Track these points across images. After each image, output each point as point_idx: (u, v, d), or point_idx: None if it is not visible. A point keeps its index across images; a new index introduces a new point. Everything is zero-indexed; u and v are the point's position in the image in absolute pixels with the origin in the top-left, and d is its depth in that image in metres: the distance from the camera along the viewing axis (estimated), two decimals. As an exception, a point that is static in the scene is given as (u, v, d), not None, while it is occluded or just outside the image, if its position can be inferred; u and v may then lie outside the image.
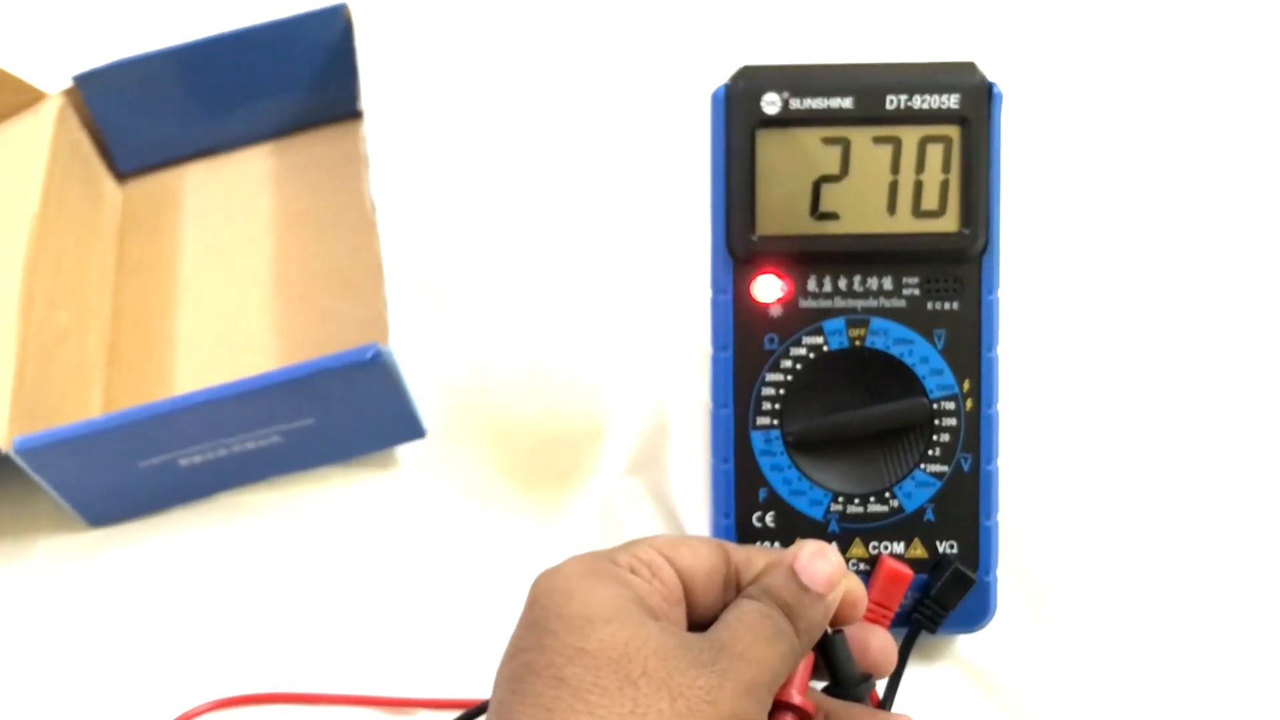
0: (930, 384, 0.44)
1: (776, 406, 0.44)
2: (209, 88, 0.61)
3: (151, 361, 0.56)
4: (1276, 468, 0.49)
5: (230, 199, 0.62)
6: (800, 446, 0.44)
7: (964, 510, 0.44)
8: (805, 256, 0.43)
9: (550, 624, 0.34)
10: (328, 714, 0.46)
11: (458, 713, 0.44)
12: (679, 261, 0.54)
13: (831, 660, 0.38)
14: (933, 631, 0.44)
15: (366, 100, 0.56)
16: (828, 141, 0.43)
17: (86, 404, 0.54)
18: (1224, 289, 0.54)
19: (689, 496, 0.50)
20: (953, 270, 0.43)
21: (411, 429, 0.51)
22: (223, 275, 0.59)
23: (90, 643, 0.48)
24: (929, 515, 0.44)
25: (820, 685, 0.39)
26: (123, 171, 0.63)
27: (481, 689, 0.44)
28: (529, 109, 0.62)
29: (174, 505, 0.51)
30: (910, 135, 0.43)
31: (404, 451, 0.52)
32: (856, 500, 0.44)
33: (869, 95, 0.42)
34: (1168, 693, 0.45)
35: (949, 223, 0.43)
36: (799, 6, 0.65)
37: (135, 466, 0.48)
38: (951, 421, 0.44)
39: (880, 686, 0.43)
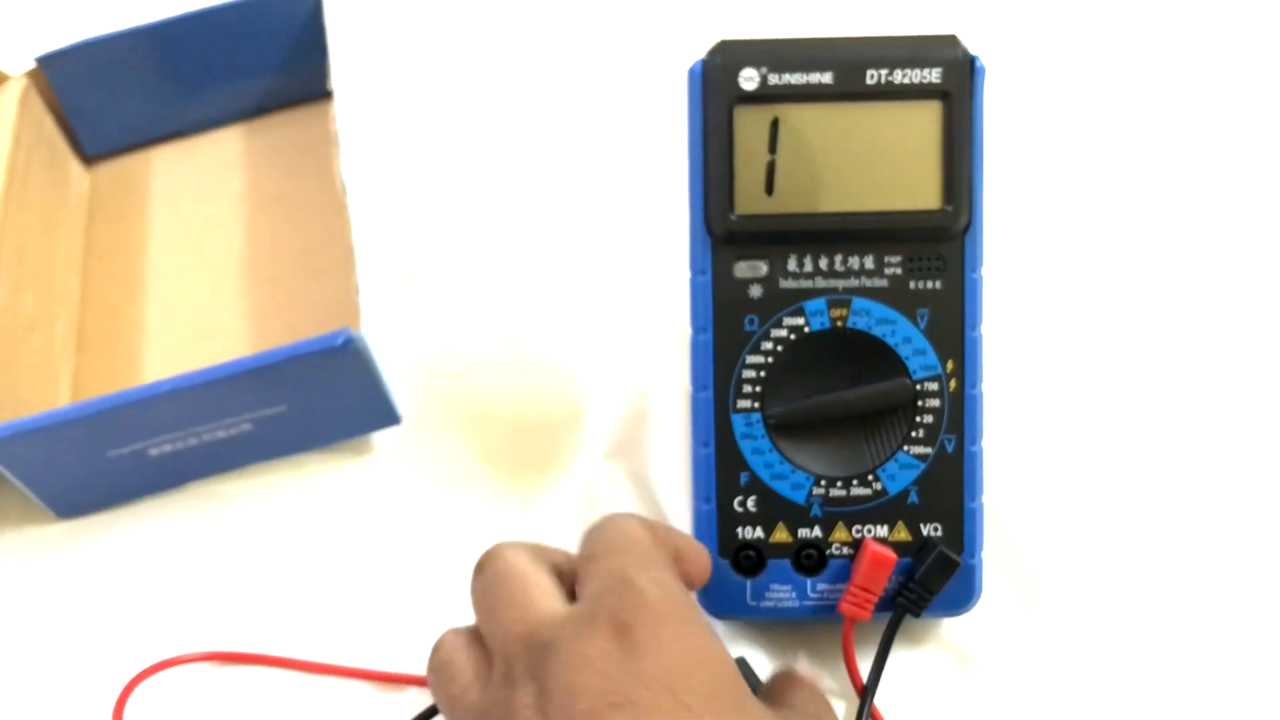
0: (913, 364, 0.43)
1: (757, 389, 0.43)
2: (177, 68, 0.60)
3: (120, 348, 0.55)
4: (1264, 450, 0.49)
5: (200, 182, 0.61)
6: (782, 429, 0.43)
7: (948, 492, 0.43)
8: (785, 235, 0.43)
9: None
10: (310, 683, 0.45)
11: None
12: (659, 241, 0.53)
13: None
14: (917, 615, 0.43)
15: (337, 80, 0.55)
16: (807, 117, 0.42)
17: (54, 393, 0.53)
18: (1211, 267, 0.54)
19: (670, 481, 0.49)
20: (935, 248, 0.43)
21: (386, 415, 0.50)
22: (193, 260, 0.58)
23: (61, 636, 0.47)
24: (913, 498, 0.43)
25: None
26: (89, 154, 0.62)
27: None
28: (503, 88, 0.61)
29: (145, 495, 0.50)
30: (891, 111, 0.42)
31: (380, 438, 0.51)
32: (839, 483, 0.43)
33: (849, 70, 0.42)
34: (1155, 676, 0.44)
35: (931, 200, 0.42)
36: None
37: (104, 456, 0.47)
38: (935, 402, 0.43)
39: (864, 669, 0.42)
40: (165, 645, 0.46)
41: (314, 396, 0.48)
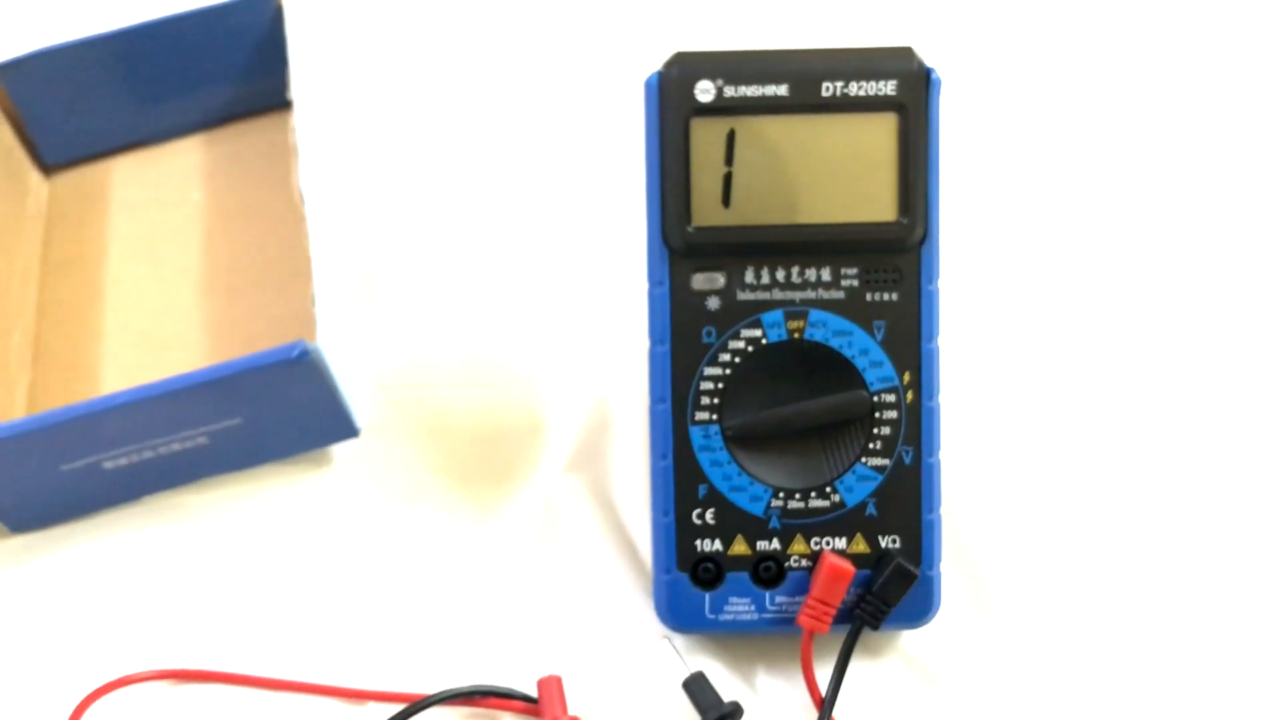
0: (870, 376, 0.43)
1: (715, 401, 0.43)
2: (137, 77, 0.60)
3: (78, 360, 0.54)
4: (1222, 457, 0.49)
5: (160, 192, 0.60)
6: (740, 441, 0.43)
7: (906, 504, 0.43)
8: (742, 248, 0.43)
9: None
10: (268, 700, 0.45)
11: (401, 705, 0.43)
12: (621, 252, 0.53)
13: (694, 697, 0.42)
14: (875, 628, 0.43)
15: (296, 90, 0.55)
16: (764, 129, 0.42)
17: (10, 405, 0.52)
18: (1167, 276, 0.54)
19: (631, 494, 0.49)
20: (891, 260, 0.43)
21: (343, 428, 0.49)
22: (151, 270, 0.57)
23: (12, 653, 0.46)
24: (870, 510, 0.43)
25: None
26: (48, 164, 0.61)
27: (417, 686, 0.44)
28: (464, 100, 0.60)
29: (99, 509, 0.50)
30: (847, 123, 0.42)
31: (338, 450, 0.51)
32: (797, 495, 0.43)
33: (804, 82, 0.41)
34: (1113, 685, 0.44)
35: (887, 212, 0.42)
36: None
37: (58, 469, 0.47)
38: (892, 414, 0.43)
39: (823, 683, 0.42)
40: (120, 663, 0.45)
41: (270, 409, 0.47)
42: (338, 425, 0.49)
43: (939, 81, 0.42)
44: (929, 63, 0.42)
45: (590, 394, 0.51)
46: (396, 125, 0.60)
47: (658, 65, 0.42)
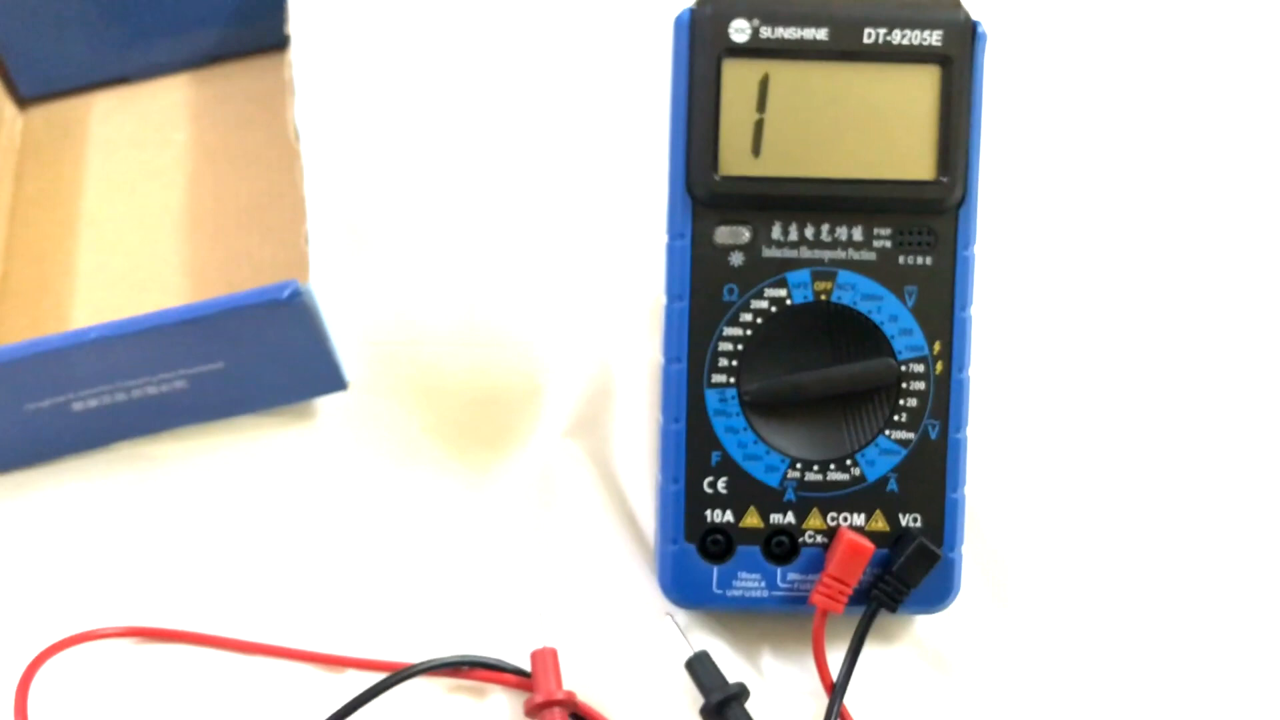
0: (899, 344, 0.41)
1: (734, 363, 0.41)
2: (124, 8, 0.57)
3: (47, 299, 0.51)
4: (1252, 448, 0.47)
5: (142, 130, 0.57)
6: (757, 407, 0.41)
7: (930, 481, 0.41)
8: (770, 200, 0.40)
9: None
10: (240, 664, 0.42)
11: (382, 675, 0.41)
12: (630, 205, 0.50)
13: (696, 677, 0.40)
14: (894, 610, 0.41)
15: (294, 25, 0.52)
16: (799, 76, 0.39)
17: (-28, 342, 0.49)
18: (1213, 256, 0.52)
19: (633, 462, 0.46)
20: (927, 222, 0.41)
21: (332, 380, 0.47)
22: (130, 210, 0.54)
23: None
24: (892, 485, 0.41)
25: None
26: (24, 96, 0.59)
27: (404, 653, 0.41)
28: (470, 38, 0.57)
29: (66, 454, 0.47)
30: (887, 73, 0.40)
31: (324, 404, 0.48)
32: (815, 467, 0.41)
33: (846, 27, 0.39)
34: (1132, 682, 0.42)
35: (925, 170, 0.40)
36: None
37: (21, 409, 0.44)
38: (920, 385, 0.41)
39: (834, 666, 0.40)
40: (81, 618, 0.42)
41: (255, 354, 0.44)
42: (326, 376, 0.46)
43: (985, 36, 0.40)
44: (976, 16, 0.40)
45: (593, 356, 0.48)
46: (394, 70, 0.57)
47: (687, 2, 0.40)
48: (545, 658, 0.41)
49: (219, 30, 0.59)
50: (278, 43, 0.55)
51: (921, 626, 0.43)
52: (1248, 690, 0.42)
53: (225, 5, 0.58)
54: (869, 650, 0.41)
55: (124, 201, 0.55)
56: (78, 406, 0.45)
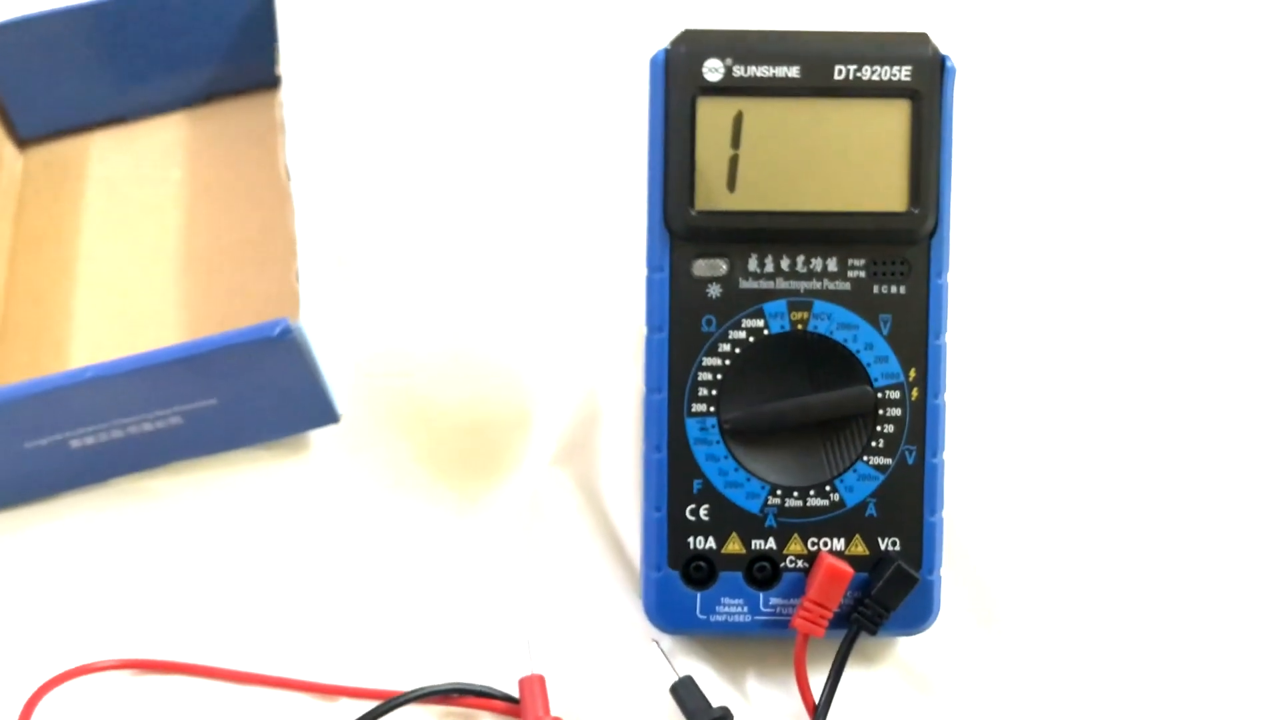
0: (875, 372, 0.42)
1: (713, 392, 0.42)
2: (120, 50, 0.58)
3: (46, 337, 0.52)
4: (1231, 464, 0.48)
5: (139, 168, 0.58)
6: (737, 435, 0.42)
7: (908, 506, 0.42)
8: (746, 234, 0.41)
9: None
10: (236, 694, 0.43)
11: (375, 703, 0.42)
12: (615, 236, 0.51)
13: (681, 702, 0.41)
14: (873, 633, 0.41)
15: (285, 66, 0.53)
16: (772, 112, 0.40)
17: (-27, 381, 0.50)
18: (1181, 277, 0.52)
19: (620, 490, 0.47)
20: (900, 252, 0.41)
21: (324, 413, 0.48)
22: (127, 248, 0.55)
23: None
24: (871, 510, 0.42)
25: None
26: (24, 137, 0.59)
27: (393, 683, 0.42)
28: (457, 76, 0.59)
29: (64, 490, 0.48)
30: (858, 108, 0.41)
31: (317, 437, 0.49)
32: (795, 493, 0.42)
33: (816, 65, 0.40)
34: (1115, 703, 0.43)
35: (897, 201, 0.41)
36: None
37: (21, 447, 0.45)
38: (896, 412, 0.42)
39: (816, 690, 0.41)
40: (81, 651, 0.43)
41: (248, 390, 0.45)
42: (318, 409, 0.47)
43: (954, 69, 0.41)
44: (944, 50, 0.41)
45: (579, 386, 0.49)
46: (384, 107, 0.58)
47: (660, 42, 0.41)
48: (533, 684, 0.42)
49: (213, 69, 0.60)
50: (271, 80, 0.56)
51: (903, 648, 0.44)
52: (1230, 709, 0.43)
53: (219, 45, 0.59)
54: (851, 672, 0.42)
55: (121, 239, 0.56)
56: (75, 444, 0.45)
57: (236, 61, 0.59)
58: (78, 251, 0.55)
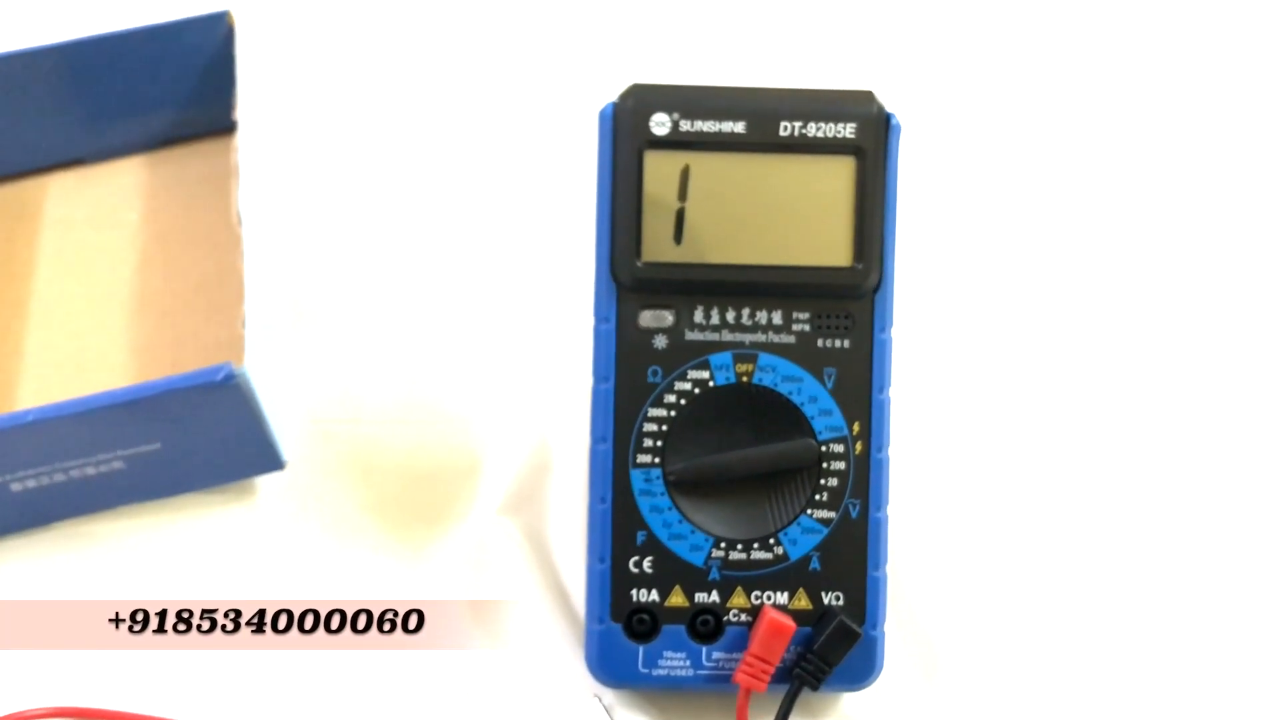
0: (819, 425, 0.42)
1: (658, 444, 0.42)
2: (81, 93, 0.58)
3: (-7, 378, 0.52)
4: (1176, 522, 0.48)
5: (96, 211, 0.58)
6: (682, 487, 0.42)
7: (851, 560, 0.42)
8: (692, 286, 0.41)
9: None
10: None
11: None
12: (564, 286, 0.51)
13: None
14: (815, 688, 0.41)
15: (243, 111, 0.53)
16: (719, 166, 0.41)
17: (-82, 422, 0.50)
18: (1123, 334, 0.53)
19: (567, 540, 0.47)
20: (844, 306, 0.42)
21: (269, 460, 0.47)
22: (80, 290, 0.55)
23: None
24: (815, 564, 0.42)
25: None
26: (-20, 178, 0.59)
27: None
28: (410, 127, 0.59)
29: (4, 534, 0.47)
30: (804, 164, 0.41)
31: (263, 483, 0.49)
32: (739, 546, 0.42)
33: (762, 120, 0.41)
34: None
35: (841, 257, 0.41)
36: (694, 26, 0.63)
37: (-40, 490, 0.44)
38: (840, 465, 0.42)
39: (758, 746, 0.41)
40: (15, 698, 0.42)
41: (192, 435, 0.45)
42: (263, 456, 0.47)
43: (899, 127, 0.41)
44: (890, 107, 0.41)
45: (528, 435, 0.49)
46: (339, 154, 0.58)
47: (608, 96, 0.41)
48: (472, 737, 0.41)
49: (174, 113, 0.60)
50: (230, 126, 0.56)
51: (847, 704, 0.44)
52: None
53: (180, 90, 0.59)
54: (795, 728, 0.42)
55: (75, 282, 0.55)
56: (16, 487, 0.45)
57: (197, 106, 0.59)
58: (30, 292, 0.55)
